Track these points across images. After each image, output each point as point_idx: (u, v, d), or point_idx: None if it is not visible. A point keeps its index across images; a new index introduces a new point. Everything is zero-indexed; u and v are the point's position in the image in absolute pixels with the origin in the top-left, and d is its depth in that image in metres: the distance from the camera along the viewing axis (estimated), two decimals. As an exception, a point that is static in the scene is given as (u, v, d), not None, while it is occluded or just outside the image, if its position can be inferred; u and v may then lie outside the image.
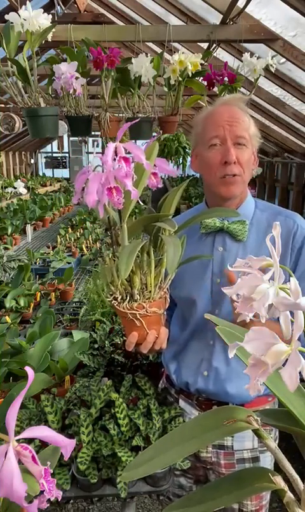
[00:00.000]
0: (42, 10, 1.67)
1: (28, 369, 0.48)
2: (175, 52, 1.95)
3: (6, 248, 5.65)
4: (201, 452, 1.28)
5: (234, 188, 1.14)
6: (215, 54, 3.06)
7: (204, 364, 1.22)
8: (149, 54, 1.87)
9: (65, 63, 1.79)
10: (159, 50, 3.83)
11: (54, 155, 17.19)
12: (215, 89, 1.95)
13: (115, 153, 0.84)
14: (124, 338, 1.41)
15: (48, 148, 16.84)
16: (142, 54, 1.85)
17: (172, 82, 1.92)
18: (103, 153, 0.86)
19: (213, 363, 1.20)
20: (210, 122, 1.14)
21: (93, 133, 2.39)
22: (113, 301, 0.99)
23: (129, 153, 0.87)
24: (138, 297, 0.97)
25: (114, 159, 0.84)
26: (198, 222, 1.20)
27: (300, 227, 1.16)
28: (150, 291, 0.99)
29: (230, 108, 1.14)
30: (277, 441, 1.25)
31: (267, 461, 1.23)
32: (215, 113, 1.14)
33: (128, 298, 0.97)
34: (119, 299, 0.98)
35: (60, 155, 17.02)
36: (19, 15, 1.64)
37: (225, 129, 1.11)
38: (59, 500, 0.47)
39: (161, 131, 2.10)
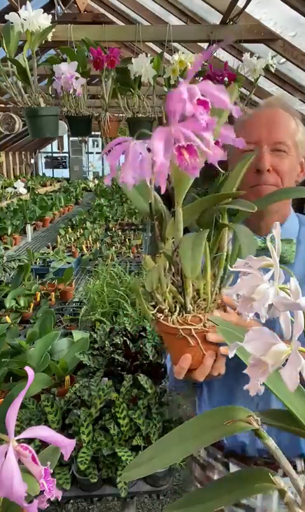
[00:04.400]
0: (42, 10, 1.67)
1: (28, 369, 0.48)
2: (175, 52, 1.95)
3: (6, 248, 5.66)
4: None
5: None
6: (215, 54, 3.06)
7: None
8: (149, 54, 1.87)
9: (65, 63, 1.79)
10: (159, 50, 3.82)
11: (54, 155, 17.20)
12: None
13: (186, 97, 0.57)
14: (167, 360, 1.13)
15: (48, 148, 16.84)
16: (142, 54, 1.85)
17: (172, 82, 1.92)
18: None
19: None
20: (246, 127, 0.99)
21: (93, 133, 2.38)
22: (158, 314, 0.77)
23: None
24: (191, 308, 0.75)
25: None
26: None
27: None
28: (204, 300, 0.76)
29: (271, 110, 0.99)
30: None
31: None
32: (253, 116, 1.00)
33: (178, 309, 0.76)
34: (166, 311, 0.76)
35: (60, 155, 17.03)
36: (19, 15, 1.64)
37: (261, 133, 0.96)
38: (59, 500, 0.47)
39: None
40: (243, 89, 2.90)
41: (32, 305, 3.01)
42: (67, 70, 1.78)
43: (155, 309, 0.77)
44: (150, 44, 4.17)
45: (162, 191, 0.58)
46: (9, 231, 6.65)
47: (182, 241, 0.69)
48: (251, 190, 0.96)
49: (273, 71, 1.99)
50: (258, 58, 1.92)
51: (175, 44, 2.95)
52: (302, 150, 1.00)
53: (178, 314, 0.75)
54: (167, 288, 0.75)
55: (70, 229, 6.38)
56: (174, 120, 0.58)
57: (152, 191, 0.74)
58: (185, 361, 0.77)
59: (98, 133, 2.12)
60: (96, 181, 13.16)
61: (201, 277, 0.75)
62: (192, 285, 0.75)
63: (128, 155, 0.61)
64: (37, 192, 10.68)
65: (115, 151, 0.63)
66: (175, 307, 0.76)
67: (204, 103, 0.59)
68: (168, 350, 0.83)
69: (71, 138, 15.75)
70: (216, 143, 0.62)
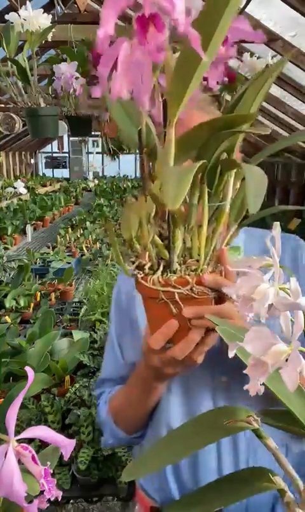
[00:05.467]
0: (42, 10, 1.67)
1: (28, 369, 0.48)
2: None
3: (6, 248, 5.66)
4: None
5: None
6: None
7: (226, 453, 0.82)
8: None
9: (65, 63, 1.79)
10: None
11: (54, 155, 17.21)
12: (215, 89, 1.95)
13: None
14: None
15: (48, 148, 16.85)
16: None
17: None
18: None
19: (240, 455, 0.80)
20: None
21: (93, 133, 2.39)
22: (136, 271, 0.62)
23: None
24: (179, 267, 0.60)
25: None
26: None
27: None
28: (198, 260, 0.61)
29: (186, 115, 0.86)
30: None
31: None
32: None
33: (162, 267, 0.61)
34: (146, 268, 0.61)
35: (60, 155, 17.03)
36: (19, 15, 1.64)
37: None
38: (59, 500, 0.47)
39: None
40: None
41: (32, 305, 3.01)
42: (67, 70, 1.78)
43: (134, 265, 0.63)
44: (150, 44, 4.16)
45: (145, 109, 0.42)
46: (9, 231, 6.65)
47: (168, 169, 0.52)
48: None
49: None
50: (258, 58, 1.92)
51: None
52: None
53: (162, 274, 0.60)
54: (150, 238, 0.60)
55: (70, 229, 6.38)
56: None
57: (144, 114, 0.56)
58: (167, 329, 0.62)
59: (98, 133, 2.12)
60: (96, 182, 13.16)
61: (195, 231, 0.60)
62: (184, 242, 0.60)
63: (120, 57, 0.44)
64: (37, 192, 10.69)
65: (107, 55, 0.45)
66: (159, 264, 0.61)
67: None
68: (147, 320, 0.66)
69: (71, 138, 15.75)
70: (225, 40, 0.47)
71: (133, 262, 0.63)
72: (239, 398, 0.77)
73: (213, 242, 0.62)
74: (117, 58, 0.44)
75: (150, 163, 0.61)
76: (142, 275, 0.61)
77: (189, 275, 0.59)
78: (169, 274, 0.60)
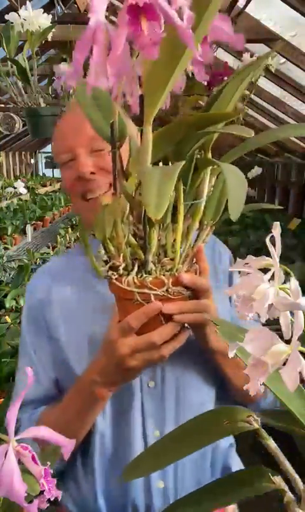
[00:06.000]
0: (42, 10, 1.68)
1: (28, 369, 0.48)
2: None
3: (6, 248, 5.66)
4: None
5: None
6: (214, 54, 3.06)
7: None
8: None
9: (65, 63, 1.79)
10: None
11: (54, 155, 17.20)
12: (215, 89, 1.95)
13: None
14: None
15: (48, 148, 16.81)
16: (142, 54, 1.84)
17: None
18: None
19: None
20: (57, 138, 0.86)
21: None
22: (110, 272, 0.61)
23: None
24: (154, 267, 0.59)
25: None
26: (82, 271, 0.84)
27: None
28: (172, 259, 0.60)
29: (74, 114, 0.84)
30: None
31: None
32: (60, 125, 0.87)
33: (136, 268, 0.60)
34: (121, 269, 0.60)
35: (60, 155, 17.02)
36: (19, 15, 1.64)
37: (71, 139, 0.82)
38: (59, 500, 0.47)
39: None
40: (243, 89, 2.90)
41: (32, 305, 3.01)
42: (67, 70, 1.78)
43: (108, 265, 0.61)
44: (150, 44, 4.17)
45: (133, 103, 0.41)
46: (9, 231, 6.65)
47: (147, 172, 0.49)
48: (86, 205, 0.82)
49: (273, 71, 1.99)
50: (258, 58, 1.92)
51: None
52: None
53: (136, 274, 0.59)
54: (125, 238, 0.58)
55: (70, 229, 6.38)
56: None
57: (116, 105, 0.53)
58: (150, 308, 0.59)
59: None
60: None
61: (170, 229, 0.58)
62: (158, 240, 0.58)
63: (98, 43, 0.39)
64: (37, 192, 10.68)
65: (83, 40, 0.40)
66: (133, 264, 0.60)
67: None
68: (120, 320, 0.65)
69: (71, 138, 15.73)
70: (204, 39, 0.44)
71: (106, 262, 0.61)
72: (166, 401, 0.79)
73: (188, 240, 0.61)
74: (92, 45, 0.40)
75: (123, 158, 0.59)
76: (116, 276, 0.60)
77: (164, 275, 0.58)
78: (144, 275, 0.58)
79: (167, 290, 0.58)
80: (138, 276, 0.58)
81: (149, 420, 0.79)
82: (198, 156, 0.59)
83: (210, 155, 0.59)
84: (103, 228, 0.59)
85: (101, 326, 0.73)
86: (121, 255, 0.59)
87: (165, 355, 0.64)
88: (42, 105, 1.83)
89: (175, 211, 0.59)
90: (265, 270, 0.46)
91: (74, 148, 0.81)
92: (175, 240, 0.59)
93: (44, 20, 1.67)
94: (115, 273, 0.60)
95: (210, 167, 0.60)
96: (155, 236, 0.58)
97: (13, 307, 2.95)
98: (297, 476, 0.47)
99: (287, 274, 0.45)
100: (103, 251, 0.63)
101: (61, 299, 0.84)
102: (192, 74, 0.49)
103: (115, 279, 0.60)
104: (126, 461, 0.76)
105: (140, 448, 0.78)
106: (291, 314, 0.42)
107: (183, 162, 0.49)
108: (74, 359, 0.81)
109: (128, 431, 0.79)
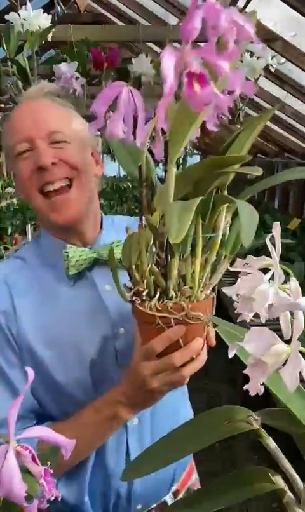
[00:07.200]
0: (42, 10, 1.67)
1: (28, 369, 0.48)
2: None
3: (6, 248, 5.65)
4: None
5: (70, 204, 0.81)
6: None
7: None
8: (148, 54, 1.87)
9: (65, 63, 1.79)
10: (159, 50, 3.82)
11: (54, 155, 17.20)
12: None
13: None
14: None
15: (48, 148, 16.83)
16: (142, 54, 1.85)
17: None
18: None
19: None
20: (12, 127, 0.83)
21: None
22: (134, 297, 0.66)
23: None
24: (174, 294, 0.64)
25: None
26: (54, 266, 0.86)
27: None
28: (191, 287, 0.65)
29: (33, 102, 0.85)
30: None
31: None
32: (15, 113, 0.85)
33: (158, 294, 0.65)
34: (143, 295, 0.65)
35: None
36: (19, 15, 1.64)
37: (29, 128, 0.81)
38: (59, 500, 0.47)
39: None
40: (243, 89, 2.90)
41: (32, 305, 3.01)
42: (67, 70, 1.78)
43: (132, 291, 0.66)
44: (150, 44, 4.17)
45: (161, 123, 0.48)
46: (9, 231, 6.65)
47: (170, 205, 0.57)
48: (47, 203, 0.81)
49: (273, 71, 1.99)
50: (258, 58, 1.92)
51: (175, 44, 2.95)
52: (88, 141, 0.88)
53: (158, 300, 0.64)
54: (148, 266, 0.64)
55: (70, 229, 6.38)
56: (188, 40, 0.50)
57: (144, 151, 0.61)
58: (173, 332, 0.63)
59: (98, 133, 2.12)
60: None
61: (189, 261, 0.64)
62: (178, 270, 0.64)
63: (120, 101, 0.51)
64: (37, 192, 10.67)
65: (104, 96, 0.51)
66: (156, 291, 0.65)
67: (234, 26, 0.47)
68: (141, 343, 0.69)
69: (71, 138, 15.73)
70: (223, 91, 0.51)
71: (131, 289, 0.67)
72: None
73: (206, 271, 0.66)
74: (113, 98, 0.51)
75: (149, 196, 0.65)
76: (139, 301, 0.65)
77: (183, 301, 0.63)
78: (165, 301, 0.63)
79: (186, 315, 0.62)
80: (160, 302, 0.64)
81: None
82: (215, 194, 0.65)
83: (226, 192, 0.65)
84: (129, 256, 0.65)
85: (74, 328, 0.80)
86: (145, 281, 0.65)
87: (186, 376, 0.66)
88: (42, 105, 1.82)
89: (194, 247, 0.65)
90: (265, 270, 0.46)
91: (33, 139, 0.80)
92: (194, 271, 0.64)
93: (44, 20, 1.66)
94: (138, 298, 0.65)
95: (227, 204, 0.65)
96: (176, 264, 0.63)
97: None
98: (297, 476, 0.47)
99: (287, 274, 0.45)
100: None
101: (29, 311, 0.83)
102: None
103: (139, 304, 0.65)
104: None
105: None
106: (291, 314, 0.42)
107: (201, 197, 0.55)
108: (53, 366, 0.81)
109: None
